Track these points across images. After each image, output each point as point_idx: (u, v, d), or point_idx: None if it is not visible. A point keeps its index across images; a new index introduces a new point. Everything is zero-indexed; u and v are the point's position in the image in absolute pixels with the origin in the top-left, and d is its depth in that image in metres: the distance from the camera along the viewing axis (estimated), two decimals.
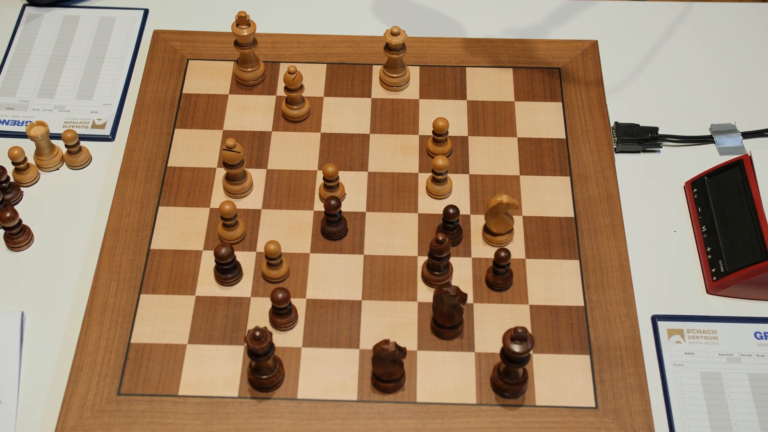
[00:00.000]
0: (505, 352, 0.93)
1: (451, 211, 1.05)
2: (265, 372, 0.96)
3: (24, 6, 1.34)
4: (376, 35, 1.29)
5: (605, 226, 1.10)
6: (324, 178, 1.10)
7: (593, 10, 1.35)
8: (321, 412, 0.97)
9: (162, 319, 1.03)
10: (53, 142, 1.18)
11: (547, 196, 1.13)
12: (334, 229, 1.08)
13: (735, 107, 1.24)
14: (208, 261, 1.07)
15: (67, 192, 1.16)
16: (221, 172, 1.14)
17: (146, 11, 1.34)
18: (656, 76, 1.28)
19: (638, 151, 1.20)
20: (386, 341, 0.93)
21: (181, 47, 1.27)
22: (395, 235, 1.09)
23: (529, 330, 1.02)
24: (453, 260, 1.07)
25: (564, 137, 1.18)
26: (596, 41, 1.28)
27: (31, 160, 1.17)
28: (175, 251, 1.08)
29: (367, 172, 1.15)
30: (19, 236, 1.09)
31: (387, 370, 0.96)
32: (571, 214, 1.11)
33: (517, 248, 1.08)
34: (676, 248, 1.11)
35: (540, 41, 1.28)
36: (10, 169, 1.16)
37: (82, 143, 1.19)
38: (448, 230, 1.07)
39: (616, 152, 1.19)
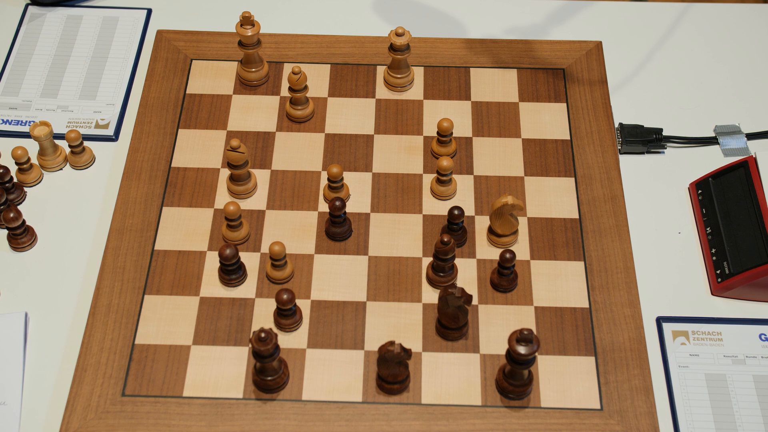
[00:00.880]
0: (511, 354, 0.93)
1: (455, 212, 1.05)
2: (269, 373, 0.96)
3: (27, 5, 1.34)
4: (380, 36, 1.28)
5: (610, 227, 1.10)
6: (328, 179, 1.09)
7: (597, 11, 1.35)
8: (326, 414, 0.96)
9: (166, 320, 1.03)
10: (56, 142, 1.18)
11: (552, 197, 1.12)
12: (339, 230, 1.08)
13: (739, 108, 1.24)
14: (212, 262, 1.07)
15: (70, 192, 1.15)
16: (225, 173, 1.14)
17: (149, 11, 1.34)
18: (660, 77, 1.28)
19: (643, 153, 1.20)
20: (391, 343, 0.93)
21: (184, 47, 1.27)
22: (400, 236, 1.09)
23: (534, 331, 1.02)
24: (458, 261, 1.07)
25: (568, 138, 1.18)
26: (600, 42, 1.28)
27: (34, 160, 1.17)
28: (179, 252, 1.08)
29: (371, 173, 1.14)
30: (22, 236, 1.09)
31: (392, 371, 0.95)
32: (576, 216, 1.11)
33: (521, 249, 1.08)
34: (680, 250, 1.11)
35: (544, 42, 1.28)
36: (13, 169, 1.15)
37: (86, 143, 1.18)
38: (453, 231, 1.07)
39: (621, 153, 1.19)
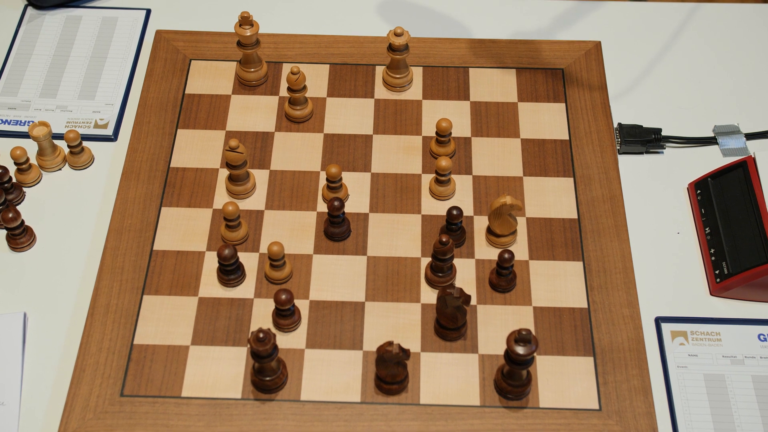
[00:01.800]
0: (509, 354, 0.93)
1: (454, 212, 1.05)
2: (268, 373, 0.96)
3: (26, 6, 1.34)
4: (379, 36, 1.28)
5: (608, 227, 1.10)
6: (327, 179, 1.09)
7: (597, 11, 1.35)
8: (324, 414, 0.96)
9: (165, 320, 1.03)
10: (55, 142, 1.18)
11: (551, 198, 1.12)
12: (337, 230, 1.08)
13: (738, 108, 1.24)
14: (211, 262, 1.07)
15: (69, 192, 1.15)
16: (224, 173, 1.14)
17: (149, 11, 1.34)
18: (659, 77, 1.28)
19: (641, 153, 1.20)
20: (390, 343, 0.93)
21: (183, 47, 1.27)
22: (398, 237, 1.09)
23: (533, 332, 1.02)
24: (456, 262, 1.07)
25: (567, 138, 1.18)
26: (599, 42, 1.28)
27: (33, 161, 1.17)
28: (177, 252, 1.08)
29: (370, 173, 1.14)
30: (21, 237, 1.09)
31: (390, 371, 0.95)
32: (575, 216, 1.11)
33: (520, 250, 1.08)
34: (679, 250, 1.11)
35: (543, 42, 1.27)
36: (12, 169, 1.15)
37: (85, 143, 1.18)
38: (452, 231, 1.07)
39: (620, 153, 1.19)
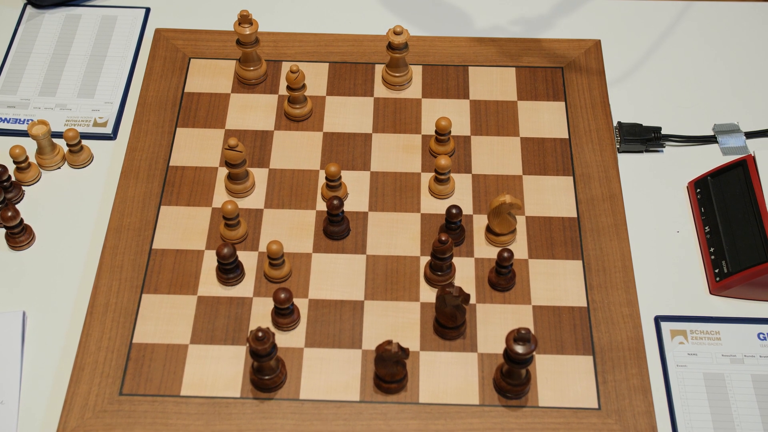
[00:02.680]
0: (508, 353, 0.93)
1: (453, 211, 1.04)
2: (267, 372, 0.96)
3: (25, 4, 1.34)
4: (378, 34, 1.28)
5: (608, 226, 1.10)
6: (326, 178, 1.09)
7: (596, 9, 1.35)
8: (323, 413, 0.96)
9: (164, 319, 1.02)
10: (55, 140, 1.18)
11: (550, 196, 1.12)
12: (337, 228, 1.08)
13: (738, 107, 1.24)
14: (210, 261, 1.07)
15: (68, 191, 1.15)
16: (223, 172, 1.14)
17: (148, 10, 1.34)
18: (659, 75, 1.28)
19: (641, 151, 1.19)
20: (389, 342, 0.93)
21: (182, 46, 1.26)
22: (398, 235, 1.09)
23: (532, 331, 1.02)
24: (456, 260, 1.07)
25: (567, 137, 1.18)
26: (599, 40, 1.27)
27: (32, 159, 1.17)
28: (177, 251, 1.08)
29: (369, 172, 1.14)
30: (20, 235, 1.09)
31: (390, 370, 0.95)
32: (574, 214, 1.11)
33: (519, 248, 1.08)
34: (679, 249, 1.11)
35: (543, 40, 1.27)
36: (11, 167, 1.15)
37: (84, 142, 1.18)
38: (451, 230, 1.07)
39: (619, 152, 1.19)
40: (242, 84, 1.23)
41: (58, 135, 1.19)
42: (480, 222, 1.10)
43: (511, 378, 0.96)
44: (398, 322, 1.03)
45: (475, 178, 1.14)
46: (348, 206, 1.11)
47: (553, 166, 1.15)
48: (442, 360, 1.00)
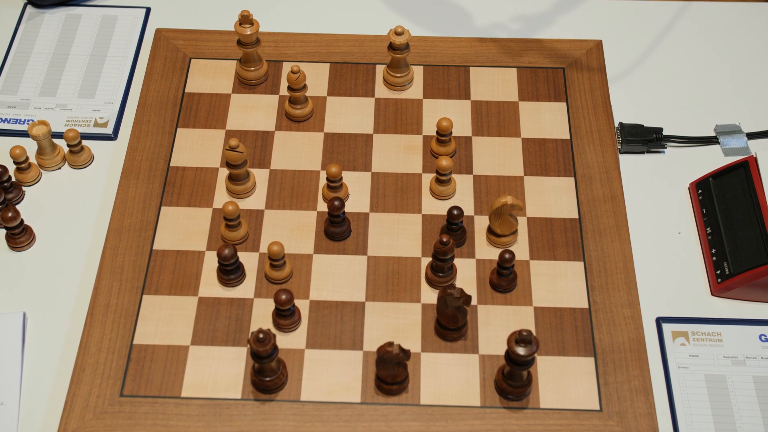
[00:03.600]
0: (510, 355, 0.93)
1: (455, 212, 1.04)
2: (268, 374, 0.96)
3: (26, 4, 1.34)
4: (379, 34, 1.28)
5: (609, 227, 1.10)
6: (327, 179, 1.09)
7: (597, 9, 1.35)
8: (324, 414, 0.96)
9: (164, 320, 1.02)
10: (55, 141, 1.17)
11: (552, 197, 1.12)
12: (338, 229, 1.08)
13: (740, 108, 1.24)
14: (210, 262, 1.07)
15: (69, 192, 1.15)
16: (224, 172, 1.14)
17: (148, 9, 1.34)
18: (661, 75, 1.28)
19: (643, 152, 1.19)
20: (390, 343, 0.93)
21: (183, 46, 1.26)
22: (399, 236, 1.09)
23: (534, 332, 1.01)
24: (457, 261, 1.07)
25: (568, 138, 1.17)
26: (600, 41, 1.27)
27: (32, 160, 1.17)
28: (177, 252, 1.07)
29: (370, 173, 1.14)
30: (20, 236, 1.09)
31: (391, 372, 0.95)
32: (576, 215, 1.10)
33: (521, 250, 1.08)
34: (680, 250, 1.11)
35: (544, 41, 1.27)
36: (11, 168, 1.15)
37: (84, 142, 1.18)
38: (452, 231, 1.07)
39: (621, 153, 1.19)
40: (243, 84, 1.23)
41: (59, 135, 1.19)
42: (481, 223, 1.10)
43: (512, 379, 0.96)
44: (399, 323, 1.02)
45: (477, 178, 1.14)
46: (349, 207, 1.11)
47: (554, 167, 1.15)
48: (443, 361, 1.00)
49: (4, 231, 1.11)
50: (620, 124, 1.19)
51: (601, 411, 0.97)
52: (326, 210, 1.10)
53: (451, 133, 1.14)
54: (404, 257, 1.07)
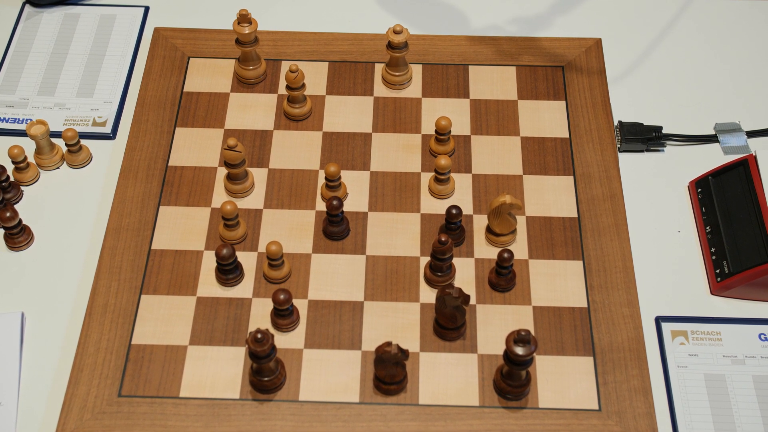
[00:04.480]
0: (508, 355, 0.92)
1: (453, 211, 1.04)
2: (266, 374, 0.96)
3: (24, 3, 1.34)
4: (378, 33, 1.28)
5: (609, 226, 1.09)
6: (326, 178, 1.09)
7: (597, 7, 1.35)
8: (323, 414, 0.96)
9: (163, 320, 1.02)
10: (53, 140, 1.17)
11: (551, 196, 1.12)
12: (336, 229, 1.07)
13: (739, 106, 1.23)
14: (209, 261, 1.06)
15: (67, 191, 1.15)
16: (222, 172, 1.14)
17: (147, 8, 1.34)
18: (660, 74, 1.27)
19: (642, 151, 1.19)
20: (388, 343, 0.92)
21: (182, 45, 1.26)
22: (397, 236, 1.09)
23: (532, 331, 1.01)
24: (456, 261, 1.06)
25: (567, 136, 1.17)
26: (600, 39, 1.27)
27: (31, 159, 1.17)
28: (176, 251, 1.07)
29: (369, 172, 1.14)
30: (19, 236, 1.09)
31: (389, 372, 0.95)
32: (575, 214, 1.10)
33: (520, 249, 1.08)
34: (680, 249, 1.11)
35: (543, 39, 1.27)
36: (10, 168, 1.15)
37: (83, 142, 1.18)
38: (451, 231, 1.07)
39: (620, 151, 1.19)
40: (241, 83, 1.22)
41: (57, 135, 1.19)
42: (480, 222, 1.10)
43: (511, 379, 0.96)
44: (398, 323, 1.02)
45: (475, 177, 1.14)
46: (347, 206, 1.11)
47: (553, 165, 1.14)
48: (442, 361, 1.00)
49: (2, 231, 1.11)
50: (619, 122, 1.19)
51: (600, 411, 0.96)
52: (325, 209, 1.10)
53: (450, 132, 1.14)
54: (403, 257, 1.07)
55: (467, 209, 1.11)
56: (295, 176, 1.14)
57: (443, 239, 1.00)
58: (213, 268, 1.06)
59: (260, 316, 1.03)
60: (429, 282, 1.05)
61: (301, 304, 1.03)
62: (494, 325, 1.02)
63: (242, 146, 1.08)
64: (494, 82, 1.22)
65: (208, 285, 1.05)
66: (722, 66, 1.28)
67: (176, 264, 1.06)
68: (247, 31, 1.17)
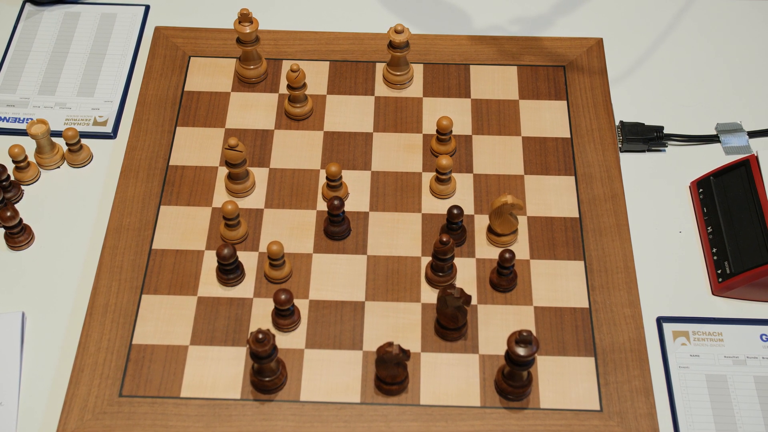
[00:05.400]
0: (510, 356, 0.92)
1: (455, 211, 1.04)
2: (267, 374, 0.96)
3: (24, 2, 1.33)
4: (379, 32, 1.28)
5: (610, 226, 1.09)
6: (327, 178, 1.09)
7: (598, 7, 1.35)
8: (324, 415, 0.96)
9: (164, 319, 1.02)
10: (54, 140, 1.17)
11: (552, 196, 1.12)
12: (337, 229, 1.07)
13: (741, 106, 1.23)
14: (210, 261, 1.06)
15: (68, 191, 1.15)
16: (223, 171, 1.14)
17: (147, 7, 1.34)
18: (662, 74, 1.27)
19: (643, 151, 1.19)
20: (390, 344, 0.92)
21: (182, 44, 1.26)
22: (399, 236, 1.09)
23: (534, 332, 1.01)
24: (457, 261, 1.06)
25: (569, 136, 1.17)
26: (601, 39, 1.27)
27: (31, 159, 1.16)
28: (176, 251, 1.07)
29: (370, 172, 1.14)
30: (19, 235, 1.09)
31: (390, 372, 0.95)
32: (576, 215, 1.10)
33: (521, 249, 1.08)
34: (681, 249, 1.11)
35: (545, 38, 1.27)
36: (10, 167, 1.15)
37: (84, 141, 1.18)
38: (452, 231, 1.07)
39: (621, 151, 1.19)
40: (242, 83, 1.22)
41: (58, 134, 1.19)
42: (481, 222, 1.10)
43: (512, 380, 0.96)
44: (399, 323, 1.02)
45: (477, 177, 1.14)
46: (349, 206, 1.11)
47: (554, 165, 1.14)
48: (443, 361, 1.00)
49: (2, 230, 1.10)
50: (621, 122, 1.19)
51: (602, 411, 0.96)
52: (326, 209, 1.10)
53: (451, 131, 1.14)
54: (404, 257, 1.07)
55: (468, 209, 1.11)
56: (296, 176, 1.13)
57: (445, 239, 1.00)
58: (214, 267, 1.06)
59: (261, 316, 1.03)
60: (430, 282, 1.05)
61: (302, 304, 1.03)
62: (495, 325, 1.02)
63: (243, 146, 1.08)
64: (495, 82, 1.22)
65: (209, 285, 1.05)
66: (724, 66, 1.28)
67: (177, 264, 1.06)
68: (248, 31, 1.17)
